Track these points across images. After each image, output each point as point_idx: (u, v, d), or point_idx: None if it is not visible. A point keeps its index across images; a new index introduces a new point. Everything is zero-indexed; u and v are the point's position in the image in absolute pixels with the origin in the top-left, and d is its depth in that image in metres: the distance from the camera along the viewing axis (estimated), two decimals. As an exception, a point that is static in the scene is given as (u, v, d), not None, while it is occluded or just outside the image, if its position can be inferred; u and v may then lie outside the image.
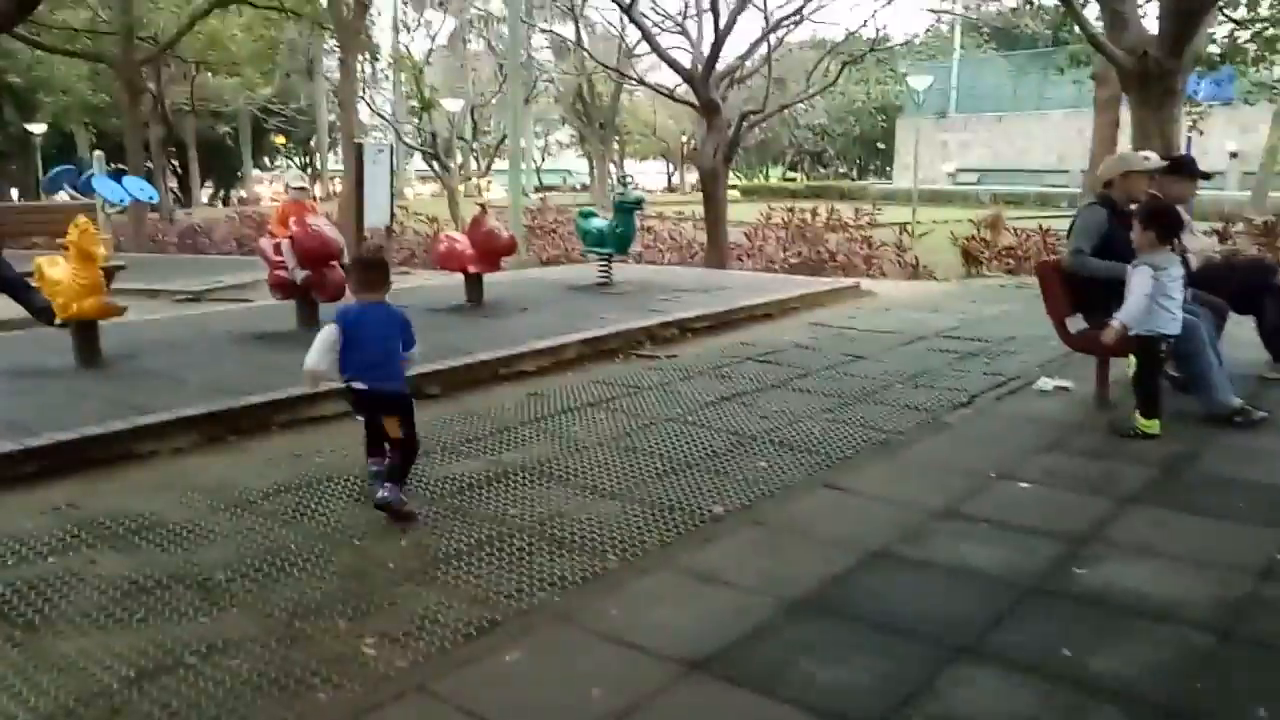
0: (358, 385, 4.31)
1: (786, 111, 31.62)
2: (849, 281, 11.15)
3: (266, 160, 66.43)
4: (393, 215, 14.02)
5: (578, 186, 68.25)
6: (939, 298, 11.01)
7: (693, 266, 16.39)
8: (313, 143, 47.99)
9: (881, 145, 65.91)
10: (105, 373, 6.64)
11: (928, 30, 28.15)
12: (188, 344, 7.62)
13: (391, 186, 13.85)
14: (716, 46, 15.36)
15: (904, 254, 16.71)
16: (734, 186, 40.28)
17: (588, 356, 7.73)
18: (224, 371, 6.66)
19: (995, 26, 53.15)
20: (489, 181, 51.85)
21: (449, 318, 8.91)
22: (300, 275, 7.78)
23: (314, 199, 7.71)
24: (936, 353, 7.70)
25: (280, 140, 54.67)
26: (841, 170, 71.04)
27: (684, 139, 65.62)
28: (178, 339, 7.84)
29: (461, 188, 50.74)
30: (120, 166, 18.86)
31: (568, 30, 38.82)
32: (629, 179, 10.58)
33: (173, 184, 58.63)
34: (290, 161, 58.96)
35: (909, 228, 18.07)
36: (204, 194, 58.82)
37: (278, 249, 7.96)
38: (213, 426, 5.52)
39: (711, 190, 16.02)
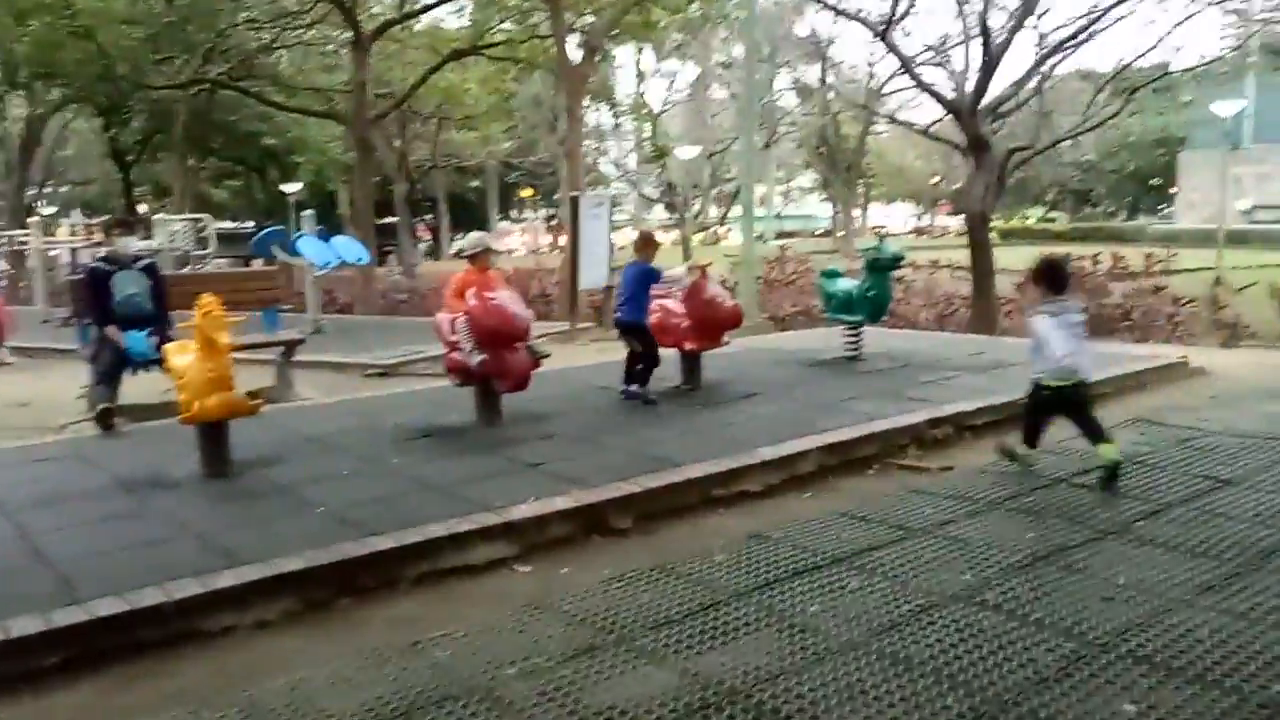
0: (617, 315, 7.79)
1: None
2: (1173, 355, 8.64)
3: (515, 213, 68.77)
4: (611, 272, 12.68)
5: (818, 233, 66.23)
6: (1301, 379, 8.34)
7: (955, 331, 14.12)
8: (556, 195, 48.56)
9: (1156, 181, 59.77)
10: (227, 487, 5.41)
11: (1232, 50, 24.51)
12: (342, 443, 6.34)
13: (611, 243, 12.55)
14: (987, 74, 13.15)
15: (1220, 310, 13.71)
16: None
17: (832, 469, 5.85)
18: (367, 489, 5.28)
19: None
20: (726, 229, 50.81)
21: (656, 406, 7.26)
22: (476, 359, 6.37)
23: (504, 263, 6.52)
24: (1352, 480, 5.29)
25: (527, 193, 56.05)
26: (1109, 210, 65.06)
27: (933, 180, 62.30)
28: (334, 435, 6.59)
29: (700, 236, 49.90)
30: (342, 228, 18.59)
31: (813, 71, 37.19)
32: (884, 232, 8.61)
33: (428, 238, 61.70)
34: (534, 215, 60.44)
35: (1221, 278, 14.93)
36: (455, 247, 61.33)
37: (455, 326, 6.60)
38: (317, 587, 4.08)
39: (980, 237, 13.73)
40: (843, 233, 41.27)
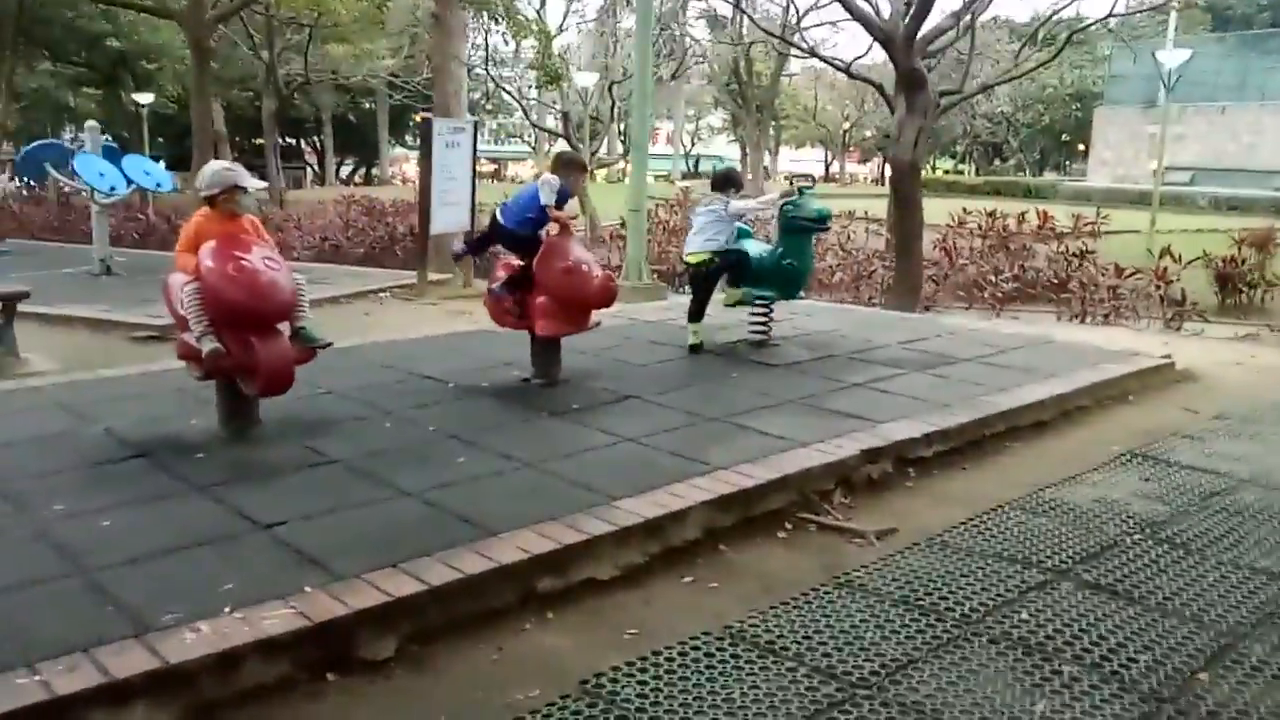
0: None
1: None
2: (1155, 355, 6.99)
3: (409, 138, 65.07)
4: (474, 215, 10.56)
5: (728, 173, 64.14)
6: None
7: (872, 298, 12.51)
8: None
9: (1066, 137, 59.37)
10: None
11: (1150, 8, 23.57)
12: None
13: (474, 178, 10.38)
14: (926, 1, 11.27)
15: (1166, 285, 12.27)
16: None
17: (725, 532, 3.99)
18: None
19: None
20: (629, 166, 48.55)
21: (485, 415, 5.24)
22: (208, 347, 4.29)
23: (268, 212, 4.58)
24: None
25: (419, 117, 52.70)
26: (1018, 165, 64.63)
27: (845, 125, 60.94)
28: (-1, 449, 4.46)
29: (603, 173, 47.53)
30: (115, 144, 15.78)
31: (725, 2, 34.91)
32: (808, 181, 6.64)
33: (312, 161, 57.94)
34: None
35: (1169, 247, 13.54)
36: (344, 171, 57.68)
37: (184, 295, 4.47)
38: None
39: (908, 190, 11.95)
40: (751, 178, 39.44)
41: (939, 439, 4.94)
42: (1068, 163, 64.08)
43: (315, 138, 55.58)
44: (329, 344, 4.77)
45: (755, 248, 6.86)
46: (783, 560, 3.84)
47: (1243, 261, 14.89)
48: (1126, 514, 4.19)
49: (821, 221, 6.69)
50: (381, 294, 10.04)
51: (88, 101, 41.68)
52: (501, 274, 5.81)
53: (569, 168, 5.93)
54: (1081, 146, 56.38)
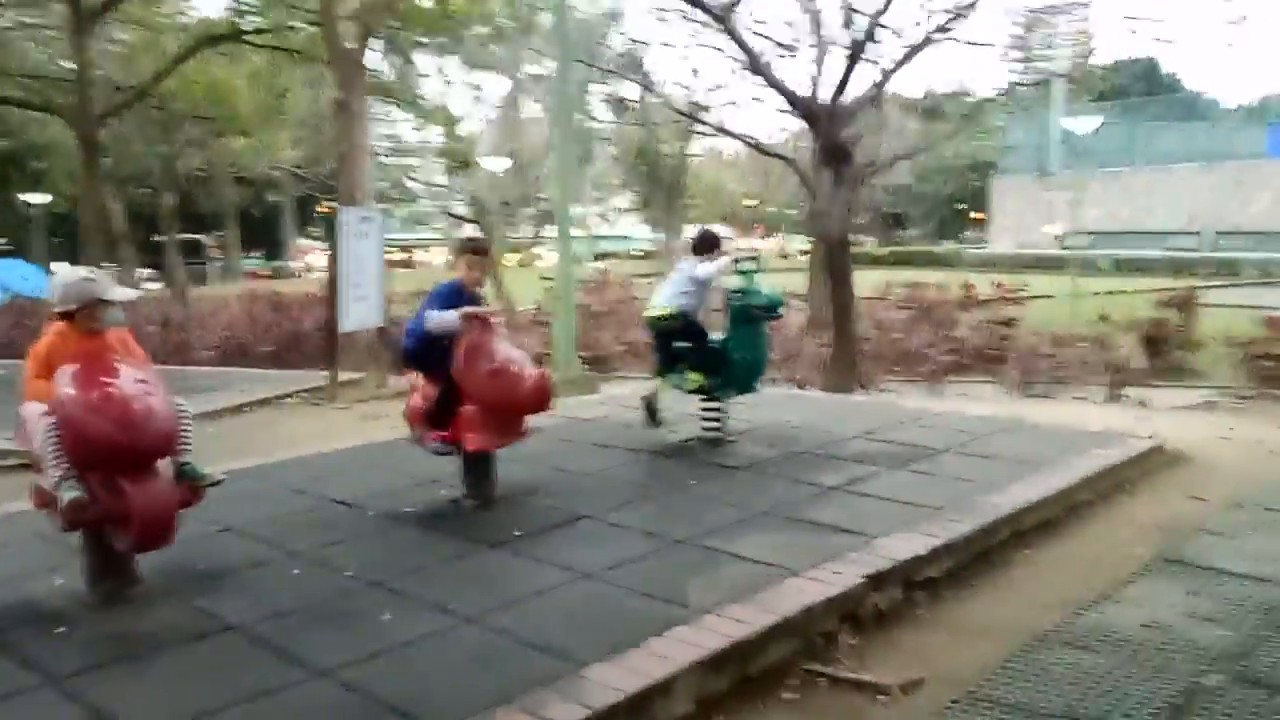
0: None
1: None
2: (1136, 434, 6.50)
3: (317, 229, 63.89)
4: (385, 309, 9.75)
5: (635, 253, 65.05)
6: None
7: (803, 377, 12.04)
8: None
9: (964, 206, 60.98)
10: None
11: (1035, 83, 24.35)
12: None
13: (382, 270, 9.60)
14: (848, 72, 11.01)
15: (1109, 351, 12.05)
16: (805, 252, 35.60)
17: (719, 701, 3.24)
18: None
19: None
20: (541, 251, 48.16)
21: (413, 551, 4.42)
22: (68, 495, 3.44)
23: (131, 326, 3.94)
24: None
25: (324, 208, 51.74)
26: (915, 234, 66.05)
27: (749, 201, 61.86)
28: None
29: (515, 257, 47.01)
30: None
31: (631, 85, 35.05)
32: (752, 259, 6.08)
33: (220, 256, 56.30)
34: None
35: (1106, 314, 13.48)
36: (249, 265, 56.13)
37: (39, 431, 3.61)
38: None
39: (839, 265, 11.53)
40: (667, 255, 39.36)
41: (946, 554, 4.28)
42: (964, 231, 65.86)
43: (218, 231, 54.13)
44: (219, 481, 3.94)
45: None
46: (799, 735, 3.10)
47: (1168, 323, 14.90)
48: (1192, 644, 3.55)
49: (773, 309, 6.11)
50: (288, 399, 9.14)
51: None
52: (417, 398, 5.04)
53: (470, 254, 5.18)
54: (976, 215, 57.97)
